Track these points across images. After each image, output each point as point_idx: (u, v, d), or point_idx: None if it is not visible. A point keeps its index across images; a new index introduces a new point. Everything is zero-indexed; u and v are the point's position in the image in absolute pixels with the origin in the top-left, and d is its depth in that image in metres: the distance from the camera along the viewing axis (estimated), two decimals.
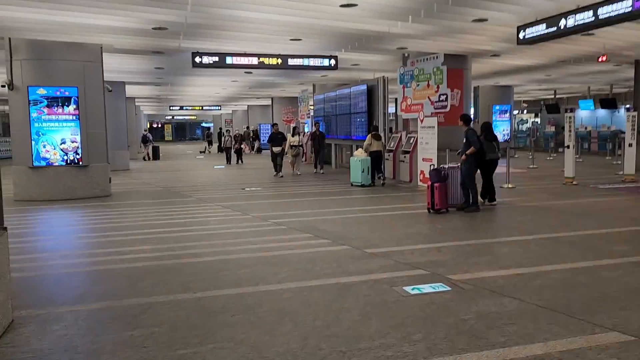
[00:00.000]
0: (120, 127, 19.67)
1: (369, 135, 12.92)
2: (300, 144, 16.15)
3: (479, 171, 9.15)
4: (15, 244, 6.77)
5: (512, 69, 17.77)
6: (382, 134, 14.03)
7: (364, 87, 15.49)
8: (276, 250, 6.23)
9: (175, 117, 61.90)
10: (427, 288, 4.61)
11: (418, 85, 12.91)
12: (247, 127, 34.34)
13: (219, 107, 40.98)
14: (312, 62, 13.24)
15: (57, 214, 9.72)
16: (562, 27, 8.96)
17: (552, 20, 9.10)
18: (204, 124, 70.62)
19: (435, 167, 9.29)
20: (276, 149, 15.40)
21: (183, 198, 11.30)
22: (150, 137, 26.65)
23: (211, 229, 7.76)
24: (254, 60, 12.74)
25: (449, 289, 4.59)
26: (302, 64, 13.13)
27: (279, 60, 12.91)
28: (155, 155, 25.99)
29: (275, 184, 13.73)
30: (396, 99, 26.36)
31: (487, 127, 9.37)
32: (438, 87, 12.29)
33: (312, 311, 4.09)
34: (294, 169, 15.92)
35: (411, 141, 12.91)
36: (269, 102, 33.99)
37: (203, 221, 8.39)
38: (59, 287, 4.93)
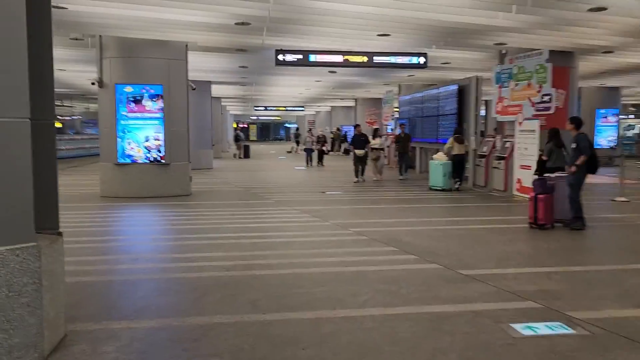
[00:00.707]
0: (204, 126, 19.94)
1: (451, 138, 12.56)
2: (382, 147, 15.21)
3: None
4: (90, 243, 6.64)
5: (625, 67, 15.84)
6: (473, 137, 12.99)
7: (455, 87, 14.41)
8: (356, 265, 5.56)
9: (259, 118, 63.20)
10: (543, 328, 3.73)
11: (517, 84, 11.69)
12: (338, 129, 33.95)
13: (303, 108, 41.04)
14: (400, 59, 12.43)
15: (136, 212, 9.68)
16: None
17: None
18: (287, 125, 71.72)
19: (540, 176, 8.17)
20: (358, 152, 14.41)
21: (261, 200, 10.95)
22: (243, 136, 27.84)
23: (287, 236, 7.23)
24: (339, 58, 12.17)
25: (572, 331, 3.68)
26: (389, 61, 12.37)
27: (365, 58, 12.23)
28: (247, 154, 26.82)
29: (356, 189, 13.06)
30: (485, 101, 24.88)
31: (556, 134, 8.65)
32: (541, 86, 11.02)
33: (399, 350, 3.38)
34: (374, 174, 14.97)
35: (507, 146, 11.73)
36: (352, 103, 33.47)
37: (280, 227, 7.91)
38: (122, 296, 4.58)
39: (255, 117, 62.86)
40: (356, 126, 15.52)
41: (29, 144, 3.10)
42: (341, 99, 30.41)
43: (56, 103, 18.73)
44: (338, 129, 33.87)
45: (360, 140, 14.43)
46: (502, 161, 11.70)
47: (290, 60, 12.01)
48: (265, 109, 41.34)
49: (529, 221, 7.65)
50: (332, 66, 12.52)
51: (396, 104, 23.15)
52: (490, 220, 8.44)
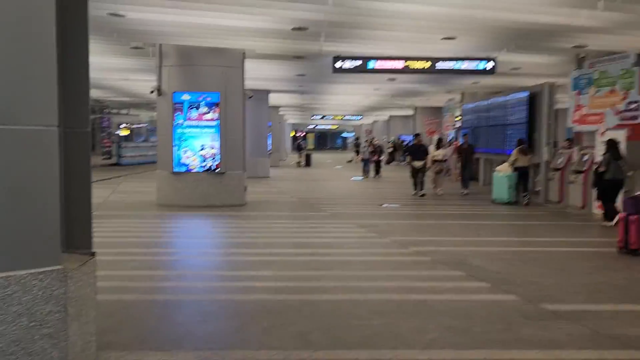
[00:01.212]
0: (261, 135, 19.84)
1: (516, 149, 11.83)
2: (445, 158, 14.19)
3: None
4: (138, 255, 6.40)
5: None
6: (546, 149, 12.00)
7: (525, 94, 13.43)
8: (420, 292, 4.95)
9: (317, 126, 63.27)
10: None
11: (598, 91, 10.65)
12: (399, 138, 33.10)
13: (360, 117, 40.51)
14: (466, 65, 11.65)
15: (188, 222, 9.48)
16: None
17: None
18: (344, 134, 71.43)
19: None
20: (417, 164, 13.33)
21: (317, 212, 10.49)
22: (304, 145, 28.28)
23: (343, 253, 6.71)
24: (399, 64, 11.56)
25: None
26: (453, 67, 11.63)
27: (427, 64, 11.56)
28: (308, 162, 27.40)
29: (414, 202, 12.35)
30: (556, 110, 23.41)
31: (614, 145, 8.41)
32: (626, 93, 9.96)
33: None
34: (435, 188, 13.86)
35: (585, 158, 10.68)
36: (410, 112, 32.59)
37: (335, 243, 7.39)
38: (162, 321, 4.21)
39: (312, 126, 63.00)
40: (416, 135, 14.43)
41: (56, 155, 2.76)
42: (399, 107, 29.64)
43: (123, 112, 19.11)
44: (399, 139, 33.03)
45: (419, 150, 13.49)
46: (579, 175, 10.66)
47: (348, 67, 11.52)
48: (323, 118, 41.10)
49: (618, 245, 6.72)
50: (392, 73, 11.93)
51: (458, 113, 22.20)
52: (570, 242, 7.55)
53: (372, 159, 19.55)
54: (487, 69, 11.69)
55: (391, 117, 37.31)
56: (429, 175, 13.75)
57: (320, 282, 5.29)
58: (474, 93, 20.15)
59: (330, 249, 6.93)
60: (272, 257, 6.37)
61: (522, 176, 11.69)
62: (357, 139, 22.05)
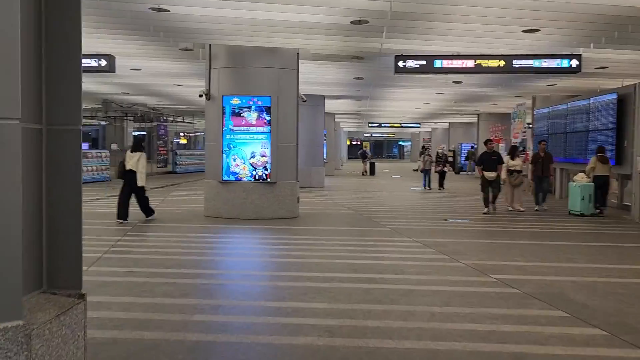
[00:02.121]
0: (317, 142, 19.01)
1: (594, 157, 11.11)
2: (522, 169, 12.29)
3: None
4: (175, 277, 5.60)
5: None
6: (639, 158, 10.45)
7: (613, 96, 11.86)
8: (516, 341, 3.83)
9: (373, 135, 62.12)
10: None
11: None
12: (473, 147, 31.27)
13: (419, 125, 39.04)
14: (546, 63, 10.31)
15: (234, 237, 8.70)
16: None
17: None
18: (401, 142, 69.81)
19: None
20: (489, 175, 11.32)
21: (375, 227, 9.46)
22: (369, 153, 28.19)
23: (410, 281, 5.63)
24: (470, 63, 10.37)
25: None
26: (532, 65, 10.31)
27: (502, 62, 10.31)
28: (372, 171, 27.45)
29: (483, 217, 11.03)
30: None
31: None
32: None
33: None
34: (512, 204, 11.95)
35: None
36: (472, 119, 30.89)
37: (398, 266, 6.33)
38: None
39: (368, 134, 61.87)
40: (487, 142, 12.29)
41: (18, 157, 1.93)
42: (462, 114, 28.05)
43: (177, 119, 18.63)
44: (473, 147, 31.25)
45: (491, 159, 11.50)
46: None
47: (413, 67, 10.46)
48: (380, 126, 39.88)
49: None
50: (461, 73, 10.76)
51: (529, 119, 20.52)
52: None
53: (437, 169, 17.92)
54: (572, 66, 10.28)
55: (451, 124, 35.66)
56: (506, 189, 12.03)
57: (385, 320, 4.26)
58: (546, 97, 18.50)
59: (394, 275, 5.88)
60: (325, 283, 5.41)
61: (601, 186, 10.95)
62: (423, 147, 20.12)
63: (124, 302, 4.66)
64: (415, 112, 28.84)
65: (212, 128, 10.52)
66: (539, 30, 8.54)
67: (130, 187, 9.33)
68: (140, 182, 9.27)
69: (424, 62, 10.41)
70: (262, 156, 10.21)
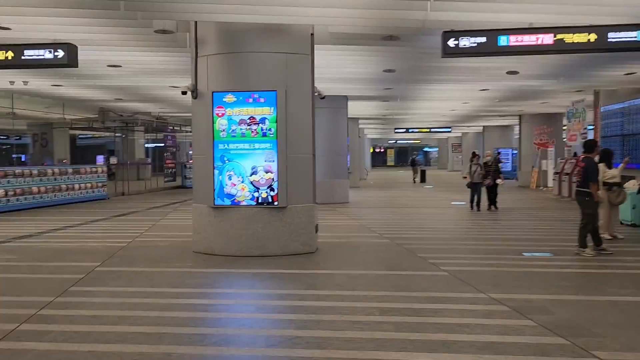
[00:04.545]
0: (339, 151, 16.31)
1: None
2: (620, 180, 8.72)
3: None
4: None
5: None
6: None
7: None
8: None
9: (397, 142, 59.17)
10: None
11: None
12: (498, 152, 27.75)
13: (449, 129, 36.01)
14: None
15: (226, 293, 6.05)
16: None
17: None
18: (426, 149, 66.57)
19: None
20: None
21: (424, 270, 6.71)
22: (419, 161, 30.04)
23: None
24: (547, 39, 7.54)
25: None
26: (635, 38, 7.45)
27: (593, 36, 7.46)
28: (423, 178, 27.39)
29: (571, 248, 8.13)
30: None
31: None
32: None
33: None
34: (609, 230, 8.66)
35: None
36: (511, 121, 27.77)
37: (474, 349, 3.57)
38: None
39: (392, 141, 58.90)
40: (587, 143, 7.93)
41: None
42: (500, 115, 24.99)
43: (175, 128, 15.83)
44: (498, 154, 28.02)
45: (594, 168, 7.54)
46: None
47: (468, 47, 7.66)
48: (407, 131, 36.92)
49: None
50: (534, 53, 7.89)
51: (589, 118, 17.48)
52: None
53: (485, 184, 13.72)
54: None
55: (485, 127, 32.53)
56: (604, 210, 8.50)
57: None
58: (611, 92, 15.48)
59: None
60: None
61: None
62: (473, 153, 16.51)
63: None
64: (448, 115, 25.90)
65: (200, 135, 7.92)
66: None
67: None
68: None
69: (483, 39, 7.59)
70: (266, 172, 7.56)
